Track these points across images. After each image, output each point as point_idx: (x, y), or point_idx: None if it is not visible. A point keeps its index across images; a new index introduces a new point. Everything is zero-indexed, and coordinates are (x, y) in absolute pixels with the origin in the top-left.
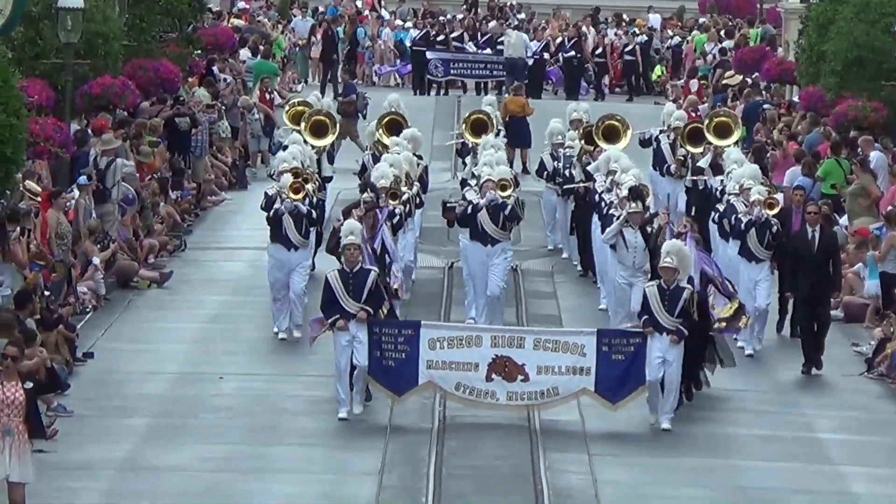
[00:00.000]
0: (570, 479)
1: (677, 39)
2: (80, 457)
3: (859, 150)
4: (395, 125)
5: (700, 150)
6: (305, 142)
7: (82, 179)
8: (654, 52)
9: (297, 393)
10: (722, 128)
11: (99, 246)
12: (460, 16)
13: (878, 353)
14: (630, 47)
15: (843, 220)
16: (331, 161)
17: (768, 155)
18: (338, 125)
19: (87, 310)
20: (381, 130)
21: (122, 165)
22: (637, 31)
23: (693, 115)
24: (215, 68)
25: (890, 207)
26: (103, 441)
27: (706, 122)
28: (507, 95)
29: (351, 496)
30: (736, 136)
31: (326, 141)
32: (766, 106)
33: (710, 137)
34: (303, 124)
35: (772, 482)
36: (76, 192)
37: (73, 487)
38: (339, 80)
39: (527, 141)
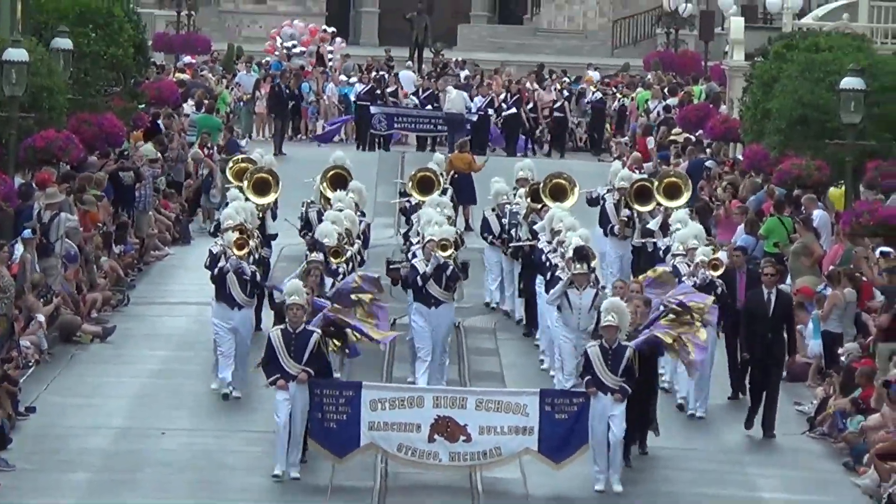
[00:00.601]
0: None
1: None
2: None
3: (802, 208)
4: (339, 179)
5: (648, 208)
6: (247, 199)
7: (27, 233)
8: (587, 108)
9: (240, 449)
10: (671, 188)
11: (42, 300)
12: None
13: (819, 412)
14: (558, 104)
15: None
16: (274, 218)
17: (713, 214)
18: (280, 182)
19: (30, 364)
20: (325, 184)
21: (66, 220)
22: (582, 88)
23: (637, 172)
24: (160, 122)
25: (832, 267)
26: (45, 496)
27: (656, 182)
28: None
29: None
30: (685, 196)
31: (269, 198)
32: (709, 163)
33: (659, 198)
34: (245, 182)
35: None
36: (19, 246)
37: None
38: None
39: (472, 198)
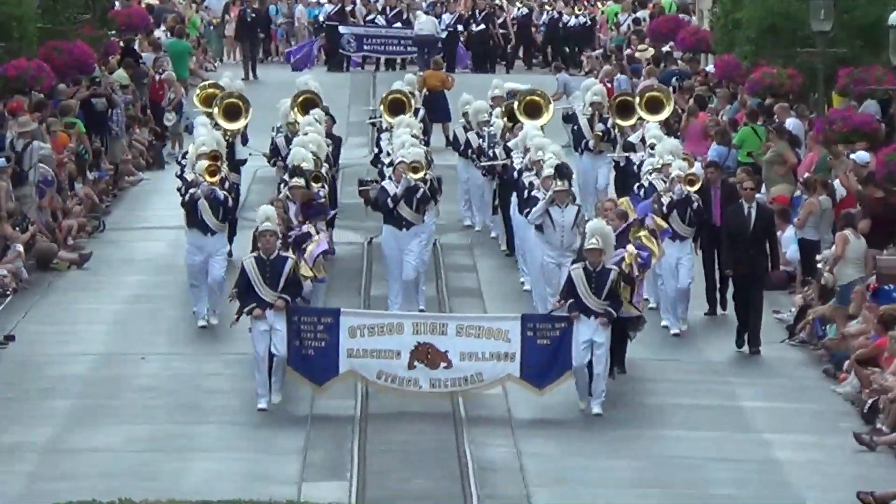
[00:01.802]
0: (495, 453)
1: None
2: (4, 440)
3: (775, 117)
4: (309, 104)
5: (630, 122)
6: (216, 125)
7: (1, 162)
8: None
9: (219, 371)
10: (653, 102)
11: (18, 229)
12: None
13: (799, 319)
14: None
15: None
16: (245, 142)
17: (681, 126)
18: (250, 108)
19: (7, 293)
20: (295, 109)
21: (39, 147)
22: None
23: (608, 86)
24: (136, 47)
25: (807, 174)
26: (26, 424)
27: (637, 97)
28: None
29: (275, 474)
30: (668, 111)
31: (239, 124)
32: (679, 75)
33: (641, 113)
34: (215, 108)
35: (696, 451)
36: None
37: None
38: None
39: (447, 115)
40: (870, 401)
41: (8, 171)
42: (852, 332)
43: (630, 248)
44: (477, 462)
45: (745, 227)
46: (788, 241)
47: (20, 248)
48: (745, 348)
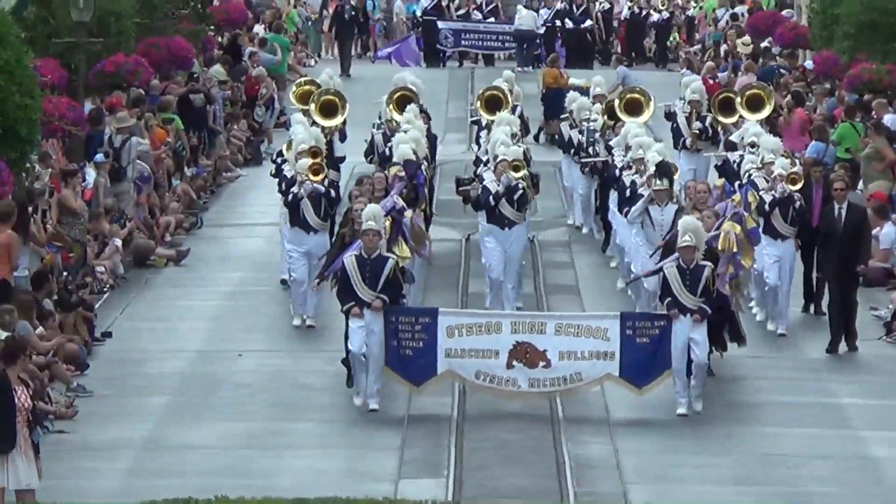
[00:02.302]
0: (592, 449)
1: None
2: (101, 437)
3: (873, 113)
4: (405, 100)
5: (731, 120)
6: (314, 123)
7: (99, 157)
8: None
9: (316, 368)
10: (754, 100)
11: (116, 225)
12: None
13: None
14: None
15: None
16: (343, 139)
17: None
18: (347, 104)
19: (105, 289)
20: (391, 106)
21: (137, 144)
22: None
23: (711, 82)
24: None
25: None
26: (124, 420)
27: (737, 95)
28: (542, 68)
29: (373, 471)
30: (768, 108)
31: (337, 121)
32: (780, 71)
33: (741, 111)
34: (312, 105)
35: (793, 448)
36: (91, 171)
37: (95, 468)
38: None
39: (561, 111)
40: None
41: (106, 166)
42: None
43: (727, 225)
44: (574, 459)
45: (835, 228)
46: (887, 237)
47: (118, 243)
48: (841, 348)
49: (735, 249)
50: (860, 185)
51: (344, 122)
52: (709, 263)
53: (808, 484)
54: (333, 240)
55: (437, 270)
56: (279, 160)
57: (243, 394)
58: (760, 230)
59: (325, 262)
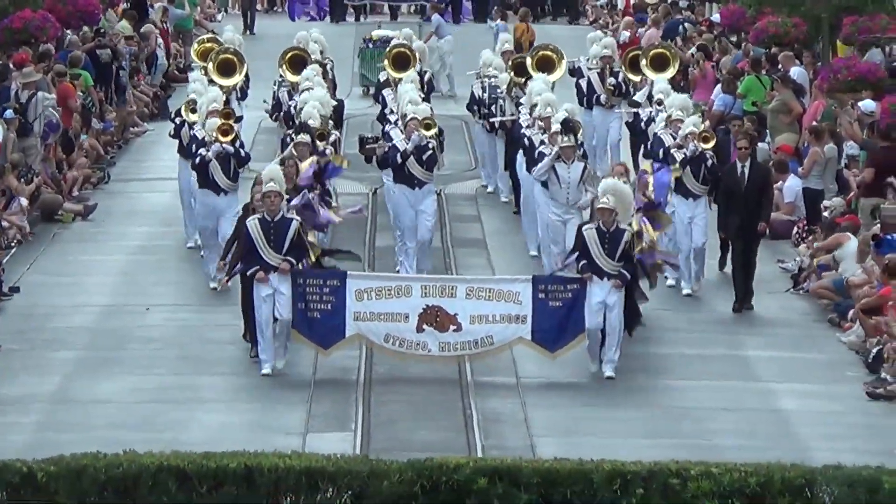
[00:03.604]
0: (500, 404)
1: None
2: (10, 391)
3: (780, 66)
4: (298, 60)
5: (636, 79)
6: (211, 82)
7: (8, 114)
8: None
9: (224, 323)
10: (659, 59)
11: (23, 180)
12: None
13: (803, 269)
14: None
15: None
16: (243, 97)
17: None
18: (245, 63)
19: (13, 244)
20: (284, 67)
21: (44, 98)
22: None
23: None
24: None
25: (814, 123)
26: (32, 375)
27: (642, 54)
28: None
29: (281, 425)
30: (673, 69)
31: (234, 80)
32: (685, 24)
33: (646, 71)
34: (210, 63)
35: (701, 401)
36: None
37: (4, 422)
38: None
39: None
40: (874, 350)
41: (14, 122)
42: (856, 281)
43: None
44: (482, 413)
45: (738, 187)
46: (791, 190)
47: (24, 201)
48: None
49: (655, 247)
50: (767, 137)
51: (246, 81)
52: (629, 227)
53: (716, 436)
54: (235, 226)
55: (344, 224)
56: (177, 120)
57: (151, 348)
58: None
59: (226, 246)
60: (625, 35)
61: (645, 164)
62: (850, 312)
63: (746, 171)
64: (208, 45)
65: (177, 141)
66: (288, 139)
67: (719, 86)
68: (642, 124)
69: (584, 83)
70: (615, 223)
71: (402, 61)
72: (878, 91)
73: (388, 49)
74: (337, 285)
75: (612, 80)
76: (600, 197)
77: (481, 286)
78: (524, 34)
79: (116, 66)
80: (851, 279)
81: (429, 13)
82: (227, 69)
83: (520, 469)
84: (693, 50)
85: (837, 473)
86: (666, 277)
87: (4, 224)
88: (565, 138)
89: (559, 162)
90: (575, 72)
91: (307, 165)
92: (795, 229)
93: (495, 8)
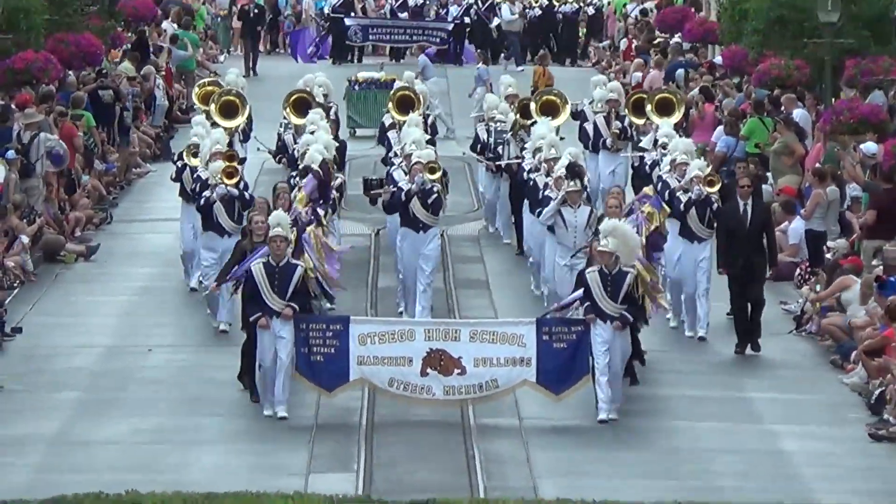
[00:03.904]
0: (502, 445)
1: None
2: (10, 432)
3: (783, 108)
4: (302, 104)
5: (640, 122)
6: (214, 124)
7: (10, 154)
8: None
9: (226, 363)
10: (664, 104)
11: (25, 221)
12: None
13: (805, 311)
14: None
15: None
16: (245, 140)
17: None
18: (248, 105)
19: (15, 285)
20: (288, 109)
21: (46, 139)
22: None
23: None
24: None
25: (817, 165)
26: (33, 416)
27: (647, 99)
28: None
29: (283, 466)
30: (678, 113)
31: (237, 122)
32: (678, 72)
33: (651, 116)
34: (212, 105)
35: (703, 442)
36: (1, 167)
37: (5, 462)
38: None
39: None
40: (877, 391)
41: (16, 163)
42: (859, 323)
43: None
44: (484, 454)
45: (741, 226)
46: (796, 232)
47: (26, 240)
48: (748, 351)
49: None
50: (769, 179)
51: (249, 123)
52: (631, 269)
53: (718, 478)
54: (233, 250)
55: (346, 265)
56: (179, 163)
57: (152, 389)
58: (677, 232)
59: (222, 270)
60: (636, 77)
61: (647, 189)
62: (853, 354)
63: (749, 209)
64: (209, 88)
65: (178, 184)
66: (292, 181)
67: (721, 128)
68: (647, 168)
69: (589, 127)
70: (617, 266)
71: (405, 104)
72: (880, 133)
73: (392, 92)
74: (340, 329)
75: (617, 123)
76: (600, 240)
77: (485, 329)
78: (541, 78)
79: (120, 106)
80: (854, 321)
81: (414, 53)
82: (229, 111)
83: None
84: (694, 92)
85: None
86: (668, 319)
87: (7, 264)
88: (571, 183)
89: (565, 206)
90: (578, 115)
91: (303, 200)
92: (798, 271)
93: (477, 52)
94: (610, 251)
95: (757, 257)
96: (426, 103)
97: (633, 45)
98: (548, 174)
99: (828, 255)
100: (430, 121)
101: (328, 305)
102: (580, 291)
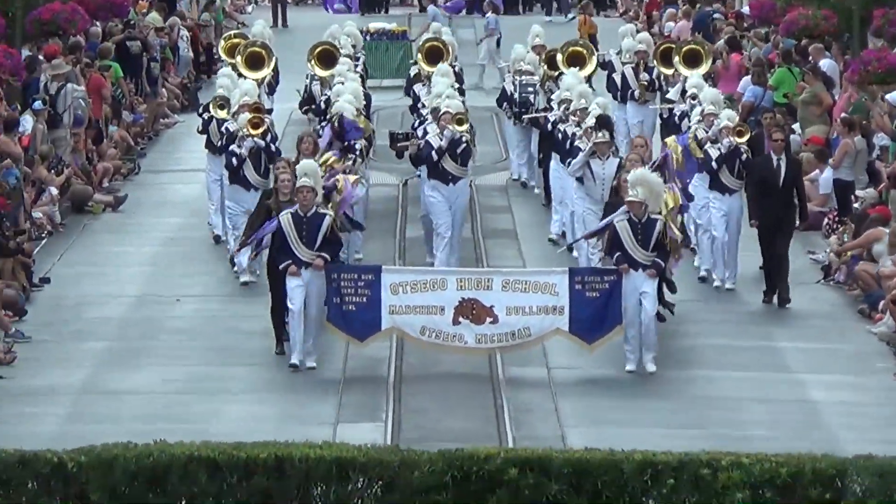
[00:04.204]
0: (530, 394)
1: None
2: (40, 382)
3: (810, 58)
4: (327, 56)
5: (669, 73)
6: (240, 75)
7: (37, 105)
8: None
9: (254, 314)
10: (692, 56)
11: (53, 171)
12: None
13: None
14: None
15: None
16: (271, 92)
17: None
18: (273, 57)
19: (43, 236)
20: (313, 62)
21: (73, 90)
22: None
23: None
24: None
25: (843, 115)
26: (62, 366)
27: (675, 51)
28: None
29: (311, 416)
30: (706, 64)
31: (263, 73)
32: (715, 16)
33: (679, 67)
34: (238, 57)
35: (732, 391)
36: (29, 118)
37: (34, 413)
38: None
39: None
40: None
41: (44, 114)
42: (887, 272)
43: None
44: (512, 403)
45: (774, 180)
46: (826, 181)
47: (55, 191)
48: (774, 302)
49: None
50: (797, 129)
51: (275, 75)
52: (660, 217)
53: (746, 427)
54: (256, 207)
55: (374, 215)
56: (205, 115)
57: (181, 339)
58: (707, 185)
59: (246, 228)
60: (669, 26)
61: (668, 140)
62: (881, 303)
63: (783, 164)
64: (235, 40)
65: (204, 136)
66: (321, 131)
67: (747, 78)
68: (675, 119)
69: (617, 78)
70: (646, 214)
71: (435, 55)
72: None
73: (420, 43)
74: (372, 279)
75: (645, 75)
76: (629, 189)
77: (517, 278)
78: (582, 26)
79: (147, 57)
80: (882, 270)
81: (424, 3)
82: (255, 62)
83: (550, 459)
84: (720, 43)
85: (868, 464)
86: (697, 268)
87: (35, 215)
88: (600, 134)
89: (594, 158)
90: (606, 65)
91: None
92: (826, 220)
93: (486, 2)
94: (640, 200)
95: (787, 211)
96: (454, 54)
97: None
98: (578, 125)
99: (856, 205)
100: (457, 69)
101: (359, 235)
102: (609, 218)
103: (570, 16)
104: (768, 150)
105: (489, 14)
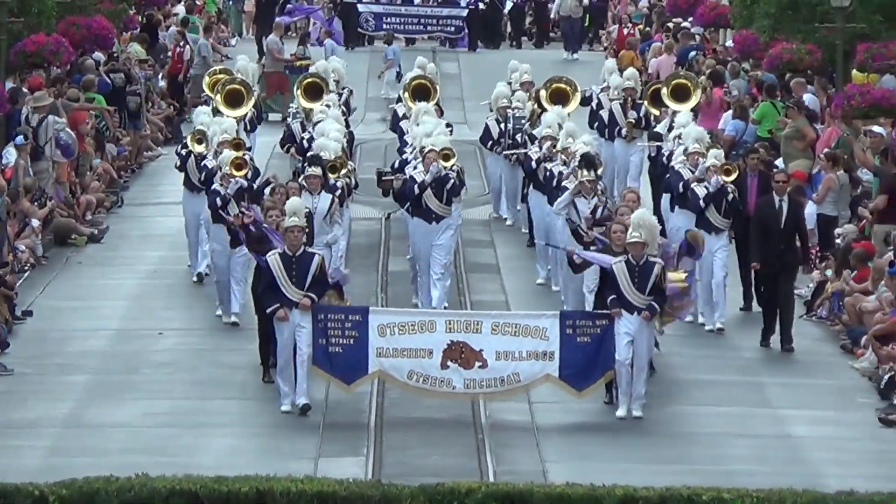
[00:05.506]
0: (512, 429)
1: None
2: (22, 415)
3: (793, 92)
4: (314, 88)
5: (659, 112)
6: (216, 112)
7: (20, 140)
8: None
9: (236, 347)
10: (680, 90)
11: (36, 204)
12: None
13: (817, 295)
14: None
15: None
16: (253, 129)
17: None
18: (254, 94)
19: (26, 268)
20: (300, 92)
21: (55, 122)
22: None
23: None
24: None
25: (827, 149)
26: (45, 399)
27: (663, 84)
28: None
29: (293, 450)
30: (695, 99)
31: (242, 111)
32: (692, 53)
33: (667, 101)
34: (217, 95)
35: (714, 427)
36: (11, 151)
37: (16, 446)
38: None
39: None
40: (887, 376)
41: (26, 147)
42: (870, 308)
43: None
44: (493, 438)
45: (776, 221)
46: (810, 217)
47: (36, 223)
48: (773, 346)
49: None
50: (780, 163)
51: (258, 112)
52: (659, 260)
53: (728, 462)
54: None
55: (357, 249)
56: (183, 151)
57: (163, 372)
58: (693, 224)
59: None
60: (654, 63)
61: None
62: (863, 339)
63: (784, 205)
64: (219, 76)
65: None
66: (301, 170)
67: (728, 113)
68: (664, 159)
69: (605, 115)
70: (644, 256)
71: (421, 92)
72: (892, 117)
73: (407, 81)
74: (359, 320)
75: (633, 113)
76: (631, 231)
77: (507, 321)
78: (633, 61)
79: (129, 91)
80: (864, 305)
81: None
82: (234, 100)
83: (531, 494)
84: (703, 78)
85: (850, 499)
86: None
87: (18, 248)
88: (585, 173)
89: (579, 197)
90: (588, 100)
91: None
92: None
93: (383, 32)
94: (643, 242)
95: (789, 253)
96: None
97: (625, 34)
98: (564, 164)
99: (837, 240)
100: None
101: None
102: (604, 258)
103: (575, 55)
104: (752, 187)
105: (395, 45)
